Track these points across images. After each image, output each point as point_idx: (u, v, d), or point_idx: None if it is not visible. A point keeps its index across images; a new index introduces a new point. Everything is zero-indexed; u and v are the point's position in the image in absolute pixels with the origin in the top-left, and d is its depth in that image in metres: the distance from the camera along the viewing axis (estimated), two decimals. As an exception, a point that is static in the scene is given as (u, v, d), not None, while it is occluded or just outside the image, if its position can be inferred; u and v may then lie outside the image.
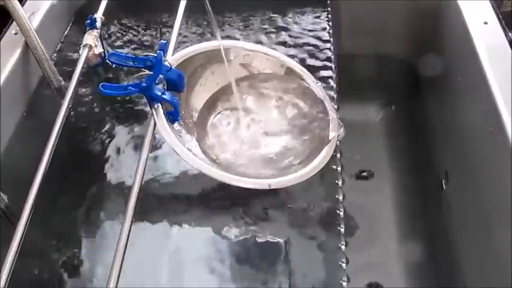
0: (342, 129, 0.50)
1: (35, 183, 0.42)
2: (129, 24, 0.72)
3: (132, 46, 0.68)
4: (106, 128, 0.59)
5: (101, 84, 0.46)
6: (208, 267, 0.46)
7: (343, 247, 0.45)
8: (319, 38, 0.66)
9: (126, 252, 0.36)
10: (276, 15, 0.70)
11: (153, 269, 0.47)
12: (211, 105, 0.55)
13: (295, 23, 0.69)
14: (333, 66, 0.61)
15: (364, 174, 0.81)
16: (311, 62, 0.62)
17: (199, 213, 0.50)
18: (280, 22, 0.69)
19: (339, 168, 0.50)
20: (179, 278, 0.46)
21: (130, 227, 0.38)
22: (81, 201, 0.53)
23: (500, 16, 0.61)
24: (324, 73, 0.60)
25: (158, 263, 0.47)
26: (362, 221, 0.74)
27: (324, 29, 0.67)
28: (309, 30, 0.67)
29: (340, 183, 0.49)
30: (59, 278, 0.47)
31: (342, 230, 0.46)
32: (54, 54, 0.67)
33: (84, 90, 0.62)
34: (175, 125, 0.48)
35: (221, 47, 0.51)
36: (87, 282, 0.47)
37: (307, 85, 0.54)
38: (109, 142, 0.57)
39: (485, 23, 0.60)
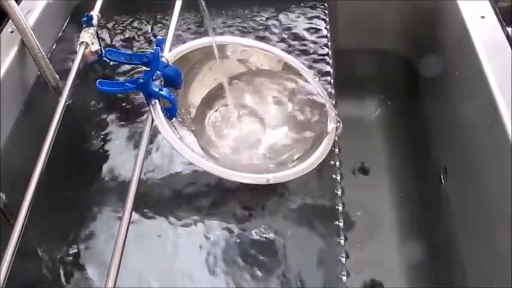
0: (340, 124, 0.50)
1: (33, 181, 0.42)
2: (125, 21, 0.71)
3: (129, 43, 0.68)
4: (103, 125, 0.58)
5: (98, 80, 0.46)
6: (206, 263, 0.46)
7: (342, 242, 0.44)
8: (316, 34, 0.66)
9: (124, 250, 0.36)
10: (273, 11, 0.70)
11: (151, 267, 0.47)
12: (209, 101, 0.54)
13: (293, 19, 0.69)
14: (331, 62, 0.61)
15: (362, 170, 0.80)
16: (309, 57, 0.62)
17: (197, 208, 0.50)
18: (278, 18, 0.69)
19: (338, 163, 0.50)
20: (178, 275, 0.46)
21: (129, 225, 0.37)
22: (78, 198, 0.52)
23: (497, 10, 0.61)
24: (321, 69, 0.60)
25: (156, 261, 0.47)
26: (359, 218, 0.74)
27: (322, 24, 0.67)
28: (307, 26, 0.67)
29: (338, 178, 0.49)
30: (57, 277, 0.47)
31: (341, 224, 0.45)
32: (51, 52, 0.66)
33: (81, 87, 0.62)
34: (173, 121, 0.48)
35: (214, 43, 0.51)
36: (86, 280, 0.46)
37: (305, 81, 0.54)
38: (107, 139, 0.57)
39: (483, 17, 0.60)
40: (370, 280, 0.68)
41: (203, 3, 0.50)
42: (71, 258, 0.48)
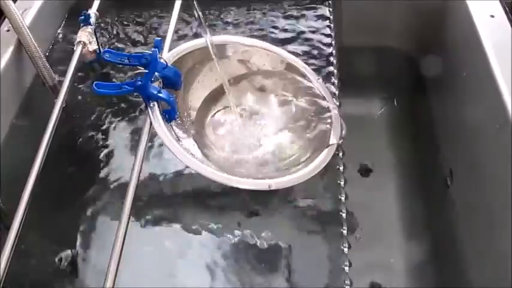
0: (344, 127, 0.49)
1: (30, 182, 0.41)
2: (124, 21, 0.70)
3: (127, 43, 0.67)
4: (101, 127, 0.58)
5: (95, 83, 0.45)
6: (206, 270, 0.45)
7: (345, 249, 0.43)
8: (320, 33, 0.64)
9: (123, 252, 0.35)
10: (275, 9, 0.69)
11: (150, 270, 0.46)
12: (209, 103, 0.53)
13: (296, 17, 0.67)
14: (335, 61, 0.60)
15: (366, 170, 0.79)
16: (312, 57, 0.61)
17: (196, 214, 0.49)
18: (280, 17, 0.68)
19: (341, 168, 0.49)
20: (177, 279, 0.46)
21: (127, 227, 0.37)
22: (75, 200, 0.52)
23: (507, 9, 0.59)
24: (325, 69, 0.59)
25: (155, 264, 0.46)
26: (363, 219, 0.73)
27: (326, 23, 0.66)
28: (310, 25, 0.66)
29: (342, 183, 0.48)
30: (54, 279, 0.47)
31: (345, 231, 0.44)
32: (48, 52, 0.65)
33: (78, 87, 0.61)
34: (172, 124, 0.47)
35: (208, 43, 0.50)
36: (84, 282, 0.46)
37: (308, 81, 0.53)
38: (105, 141, 0.56)
39: (492, 16, 0.59)
40: (373, 284, 0.67)
41: (195, 3, 0.48)
42: (67, 260, 0.47)
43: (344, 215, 0.46)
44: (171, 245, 0.48)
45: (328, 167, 0.46)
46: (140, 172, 0.41)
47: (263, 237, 0.46)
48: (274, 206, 0.48)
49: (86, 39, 0.56)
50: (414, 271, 0.68)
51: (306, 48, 0.62)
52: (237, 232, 0.47)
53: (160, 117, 0.45)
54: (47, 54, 0.65)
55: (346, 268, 0.42)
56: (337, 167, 0.49)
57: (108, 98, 0.60)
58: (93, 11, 0.59)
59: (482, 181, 0.56)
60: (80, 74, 0.61)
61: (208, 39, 0.49)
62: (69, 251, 0.48)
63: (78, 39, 0.56)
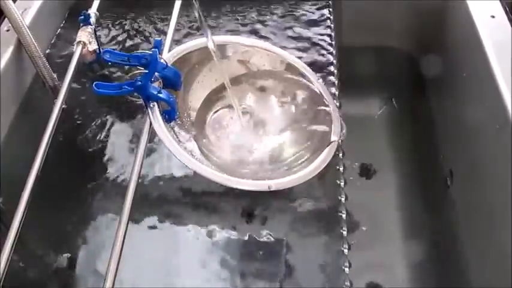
0: (344, 127, 0.49)
1: (29, 183, 0.41)
2: (123, 21, 0.70)
3: (127, 43, 0.67)
4: (101, 127, 0.58)
5: (95, 83, 0.45)
6: (205, 270, 0.45)
7: (345, 250, 0.43)
8: (320, 33, 0.64)
9: (122, 252, 0.35)
10: (276, 9, 0.69)
11: (149, 270, 0.46)
12: (209, 103, 0.53)
13: (297, 17, 0.67)
14: (335, 62, 0.60)
15: (366, 170, 0.79)
16: (312, 58, 0.61)
17: (196, 214, 0.49)
18: (280, 16, 0.68)
19: (341, 169, 0.49)
20: (176, 278, 0.46)
21: (127, 227, 0.37)
22: (75, 200, 0.52)
23: (507, 9, 0.59)
24: (325, 69, 0.59)
25: (155, 264, 0.47)
26: (363, 219, 0.72)
27: (326, 23, 0.66)
28: (310, 25, 0.66)
29: (342, 184, 0.48)
30: (54, 278, 0.47)
31: (345, 232, 0.44)
32: (48, 51, 0.65)
33: (78, 87, 0.61)
34: (172, 124, 0.47)
35: (210, 46, 0.49)
36: (84, 282, 0.46)
37: (308, 82, 0.53)
38: (105, 141, 0.56)
39: (492, 16, 0.59)
40: (372, 284, 0.67)
41: (196, 3, 0.48)
42: (67, 259, 0.48)
43: (344, 215, 0.46)
44: (170, 245, 0.48)
45: (328, 168, 0.46)
46: (140, 172, 0.41)
47: (263, 237, 0.46)
48: (274, 206, 0.48)
49: (85, 39, 0.56)
50: (414, 271, 0.68)
51: (306, 48, 0.62)
52: (236, 233, 0.47)
53: (160, 118, 0.45)
54: (47, 54, 0.64)
55: (346, 269, 0.42)
56: (337, 167, 0.49)
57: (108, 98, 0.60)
58: (93, 11, 0.59)
59: (482, 181, 0.56)
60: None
61: (209, 39, 0.49)
62: (68, 251, 0.48)
63: (78, 39, 0.56)
